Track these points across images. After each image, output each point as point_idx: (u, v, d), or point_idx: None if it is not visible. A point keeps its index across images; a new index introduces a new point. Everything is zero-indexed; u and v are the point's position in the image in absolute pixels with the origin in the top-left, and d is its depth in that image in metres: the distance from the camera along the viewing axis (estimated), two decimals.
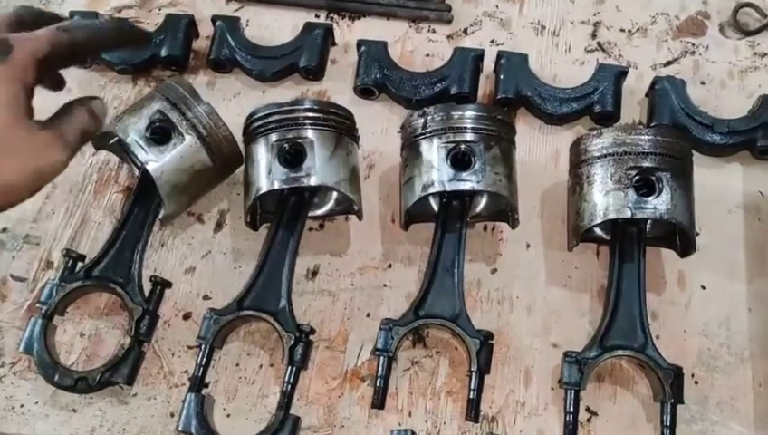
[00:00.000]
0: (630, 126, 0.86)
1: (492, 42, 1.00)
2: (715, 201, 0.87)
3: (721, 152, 0.88)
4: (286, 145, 0.78)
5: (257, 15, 1.04)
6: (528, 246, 0.86)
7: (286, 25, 1.01)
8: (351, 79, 0.97)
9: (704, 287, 0.82)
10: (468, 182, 0.76)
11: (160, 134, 0.79)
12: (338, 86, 0.97)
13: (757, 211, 0.86)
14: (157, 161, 0.78)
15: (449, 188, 0.76)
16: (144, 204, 0.82)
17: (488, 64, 0.96)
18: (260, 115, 0.80)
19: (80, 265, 0.80)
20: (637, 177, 0.75)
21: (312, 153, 0.78)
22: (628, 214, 0.74)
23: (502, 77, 0.93)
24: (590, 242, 0.84)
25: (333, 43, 1.00)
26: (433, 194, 0.79)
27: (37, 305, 0.78)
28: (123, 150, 0.87)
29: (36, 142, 0.56)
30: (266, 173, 0.78)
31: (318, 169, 0.77)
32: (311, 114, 0.79)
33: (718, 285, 0.83)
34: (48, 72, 0.60)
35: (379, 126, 0.93)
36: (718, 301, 0.82)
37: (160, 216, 0.83)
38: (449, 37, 1.01)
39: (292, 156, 0.78)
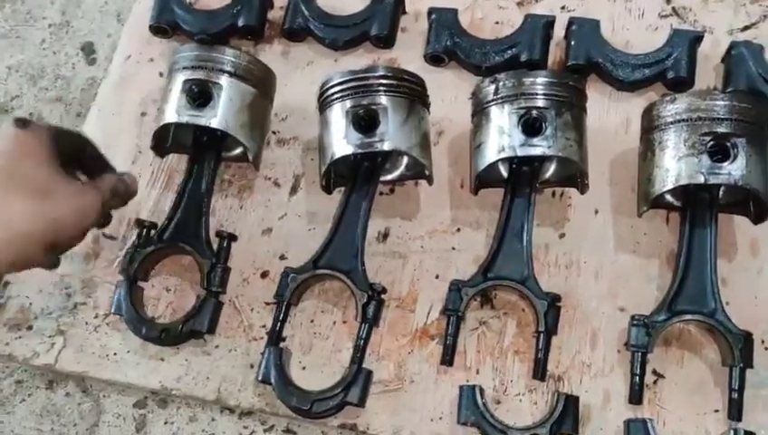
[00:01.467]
0: (705, 91, 0.85)
1: (562, 8, 1.00)
2: None
3: None
4: (361, 111, 0.81)
5: None
6: (596, 211, 0.87)
7: None
8: (421, 47, 0.98)
9: None
10: (539, 147, 0.77)
11: (201, 96, 0.83)
12: (408, 54, 0.99)
13: None
14: (216, 116, 0.82)
15: (520, 153, 0.78)
16: (200, 166, 0.87)
17: (559, 31, 0.96)
18: (335, 82, 0.82)
19: (153, 232, 0.85)
20: (711, 142, 0.75)
21: (385, 119, 0.80)
22: (701, 179, 0.74)
23: (573, 43, 0.93)
24: (659, 208, 0.84)
25: (404, 12, 1.01)
26: (503, 159, 0.80)
27: (121, 272, 0.83)
28: (180, 143, 0.91)
29: (75, 188, 0.71)
30: (341, 138, 0.81)
31: (391, 135, 0.80)
32: (384, 81, 0.81)
33: None
34: (67, 157, 0.73)
35: (449, 93, 0.95)
36: None
37: (250, 158, 0.86)
38: (519, 4, 1.01)
39: (366, 122, 0.81)
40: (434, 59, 0.97)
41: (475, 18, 1.00)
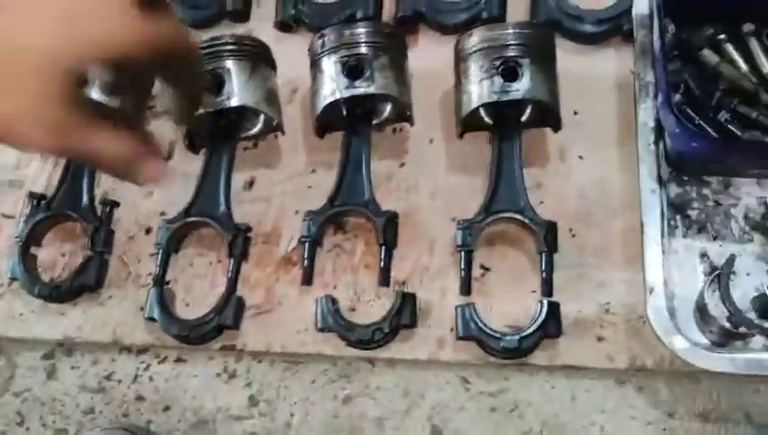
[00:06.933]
0: (497, 24, 0.97)
1: None
2: (593, 84, 0.99)
3: (594, 40, 1.00)
4: (207, 75, 0.92)
5: None
6: (431, 141, 0.99)
7: None
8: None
9: (581, 157, 0.95)
10: (361, 88, 0.90)
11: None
12: (263, 25, 1.10)
13: (628, 88, 0.97)
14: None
15: (344, 94, 0.90)
16: None
17: None
18: None
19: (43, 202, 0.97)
20: (501, 66, 0.87)
21: (230, 80, 0.92)
22: (494, 98, 0.87)
23: None
24: (479, 130, 0.97)
25: None
26: (339, 103, 0.93)
27: (14, 239, 0.95)
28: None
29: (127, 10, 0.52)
30: None
31: (236, 93, 0.92)
32: (226, 47, 0.93)
33: (593, 154, 0.95)
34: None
35: (300, 55, 1.05)
36: (593, 168, 0.94)
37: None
38: None
39: (214, 84, 0.92)
40: (283, 26, 1.08)
41: None
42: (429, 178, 0.97)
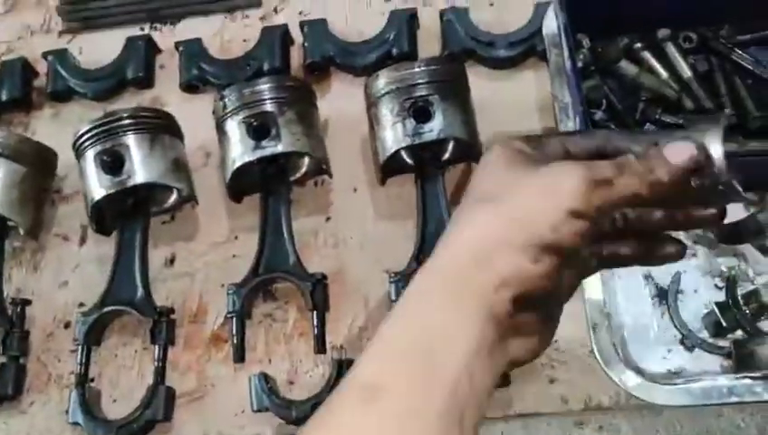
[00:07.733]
0: (402, 64, 0.93)
1: (300, 13, 1.07)
2: (514, 109, 0.95)
3: (510, 64, 0.97)
4: (105, 156, 0.86)
5: (89, 42, 1.11)
6: (355, 189, 0.94)
7: (118, 45, 1.08)
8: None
9: None
10: (268, 148, 0.85)
11: None
12: (169, 89, 1.05)
13: (550, 109, 0.94)
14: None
15: (251, 157, 0.85)
16: None
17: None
18: (81, 133, 0.88)
19: None
20: (411, 107, 0.83)
21: (129, 156, 0.86)
22: (408, 142, 0.83)
23: (307, 45, 1.01)
24: (404, 173, 0.92)
25: (159, 51, 1.08)
26: (246, 165, 0.87)
27: None
28: None
29: (543, 171, 0.49)
30: (96, 183, 0.87)
31: (137, 170, 0.86)
32: (124, 122, 0.88)
33: None
34: None
35: (210, 117, 1.01)
36: None
37: (22, 232, 0.92)
38: (262, 19, 1.08)
39: (113, 163, 0.86)
40: (189, 88, 1.03)
41: (223, 41, 1.07)
42: (357, 230, 0.92)
